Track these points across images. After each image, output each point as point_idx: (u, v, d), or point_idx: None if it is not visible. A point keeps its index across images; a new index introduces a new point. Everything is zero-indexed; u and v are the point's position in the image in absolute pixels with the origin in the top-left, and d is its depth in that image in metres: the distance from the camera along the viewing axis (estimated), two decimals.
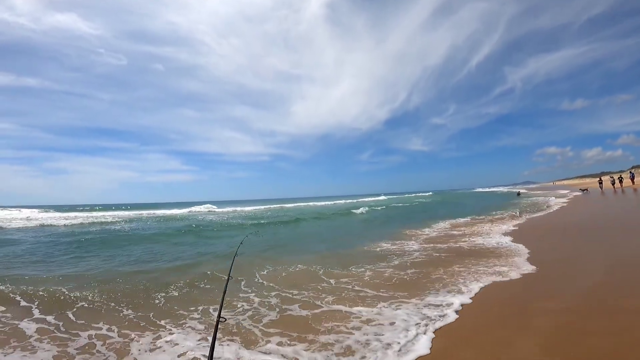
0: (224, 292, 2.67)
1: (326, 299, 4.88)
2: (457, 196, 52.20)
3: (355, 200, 56.54)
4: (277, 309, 4.58)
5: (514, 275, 5.50)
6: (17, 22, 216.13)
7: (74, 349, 3.60)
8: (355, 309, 4.37)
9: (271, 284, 5.87)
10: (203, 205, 43.22)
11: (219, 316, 2.17)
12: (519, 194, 44.48)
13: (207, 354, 1.87)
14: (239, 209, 38.83)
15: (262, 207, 42.46)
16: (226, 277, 3.16)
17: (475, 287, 4.99)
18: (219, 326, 2.14)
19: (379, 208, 31.47)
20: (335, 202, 56.43)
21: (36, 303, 5.08)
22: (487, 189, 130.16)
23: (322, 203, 53.50)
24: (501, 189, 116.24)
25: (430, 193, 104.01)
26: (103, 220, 24.48)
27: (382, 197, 72.37)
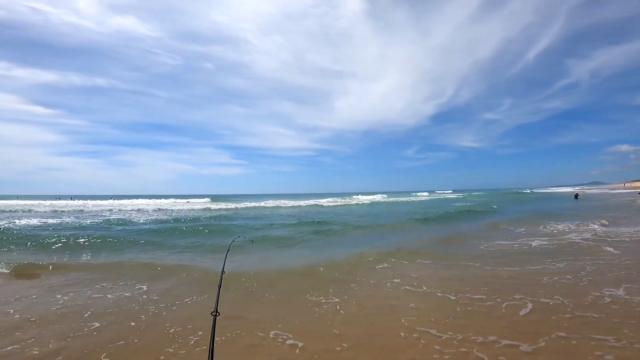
0: (219, 287, 2.90)
1: None
2: (512, 198, 48.92)
3: (396, 199, 55.56)
4: None
5: None
6: (83, 25, 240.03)
7: None
8: None
9: None
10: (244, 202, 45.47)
11: (215, 310, 2.35)
12: (576, 196, 41.19)
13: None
14: (287, 203, 40.55)
15: (303, 202, 43.73)
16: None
17: None
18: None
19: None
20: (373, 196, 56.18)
21: None
22: (550, 189, 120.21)
23: (368, 197, 53.55)
24: (564, 189, 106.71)
25: (465, 193, 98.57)
26: (214, 208, 27.95)
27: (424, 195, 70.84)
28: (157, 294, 5.47)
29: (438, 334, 3.81)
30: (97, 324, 4.27)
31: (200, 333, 3.96)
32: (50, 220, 16.99)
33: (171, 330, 4.07)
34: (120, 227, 14.44)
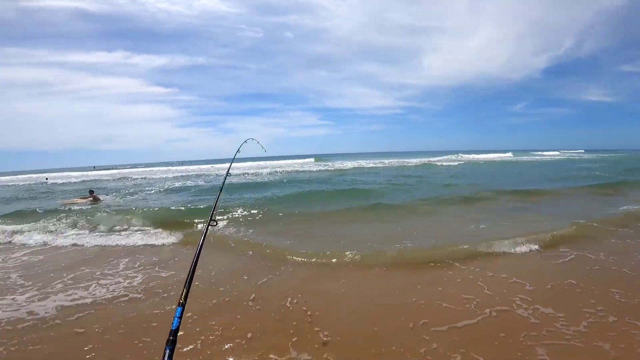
0: (217, 198, 2.66)
1: None
2: None
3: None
4: None
5: None
6: (175, 10, 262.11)
7: None
8: None
9: None
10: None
11: (210, 219, 2.31)
12: None
13: None
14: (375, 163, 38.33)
15: (415, 160, 40.73)
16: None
17: None
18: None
19: None
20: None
21: None
22: None
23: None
24: None
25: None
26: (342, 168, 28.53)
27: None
28: None
29: None
30: None
31: None
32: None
33: None
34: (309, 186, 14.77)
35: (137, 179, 27.91)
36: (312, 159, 51.37)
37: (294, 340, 3.17)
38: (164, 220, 8.45)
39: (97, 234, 7.71)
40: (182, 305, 1.64)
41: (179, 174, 30.68)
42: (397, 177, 19.63)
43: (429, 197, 11.21)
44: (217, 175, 26.84)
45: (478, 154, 62.80)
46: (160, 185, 21.07)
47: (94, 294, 4.44)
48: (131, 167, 67.82)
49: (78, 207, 13.39)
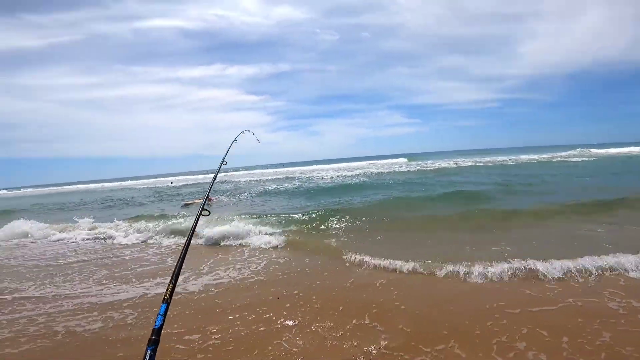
0: (210, 187, 2.85)
1: None
2: None
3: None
4: None
5: None
6: (255, 22, 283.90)
7: None
8: None
9: None
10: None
11: (202, 208, 2.24)
12: None
13: None
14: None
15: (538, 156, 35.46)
16: None
17: None
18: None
19: None
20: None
21: None
22: None
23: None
24: None
25: None
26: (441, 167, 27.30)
27: None
28: None
29: None
30: None
31: None
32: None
33: None
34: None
35: (239, 181, 30.77)
36: (403, 159, 49.50)
37: None
38: (272, 223, 8.82)
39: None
40: (167, 302, 1.48)
41: (275, 176, 32.82)
42: (506, 177, 17.21)
43: (560, 201, 9.34)
44: (308, 177, 27.74)
45: (606, 147, 51.73)
46: (262, 187, 22.75)
47: (230, 276, 5.45)
48: (234, 171, 76.06)
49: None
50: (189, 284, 5.19)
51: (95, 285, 5.45)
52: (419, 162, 37.43)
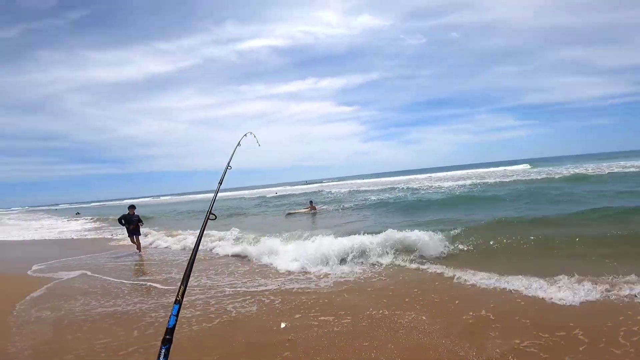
0: (215, 195, 2.78)
1: None
2: None
3: None
4: None
5: None
6: (340, 33, 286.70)
7: None
8: None
9: None
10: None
11: (208, 213, 2.29)
12: None
13: None
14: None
15: None
16: None
17: None
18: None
19: None
20: None
21: None
22: None
23: None
24: None
25: None
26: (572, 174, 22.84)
27: None
28: None
29: None
30: None
31: None
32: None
33: None
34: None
35: (337, 191, 30.89)
36: (524, 165, 42.78)
37: None
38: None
39: None
40: (179, 303, 1.54)
41: (374, 187, 31.95)
42: None
43: None
44: (410, 188, 25.98)
45: None
46: (362, 197, 22.21)
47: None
48: (329, 181, 78.26)
49: (301, 216, 15.72)
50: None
51: (240, 278, 6.05)
52: (545, 169, 31.54)
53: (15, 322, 4.39)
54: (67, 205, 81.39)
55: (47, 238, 15.27)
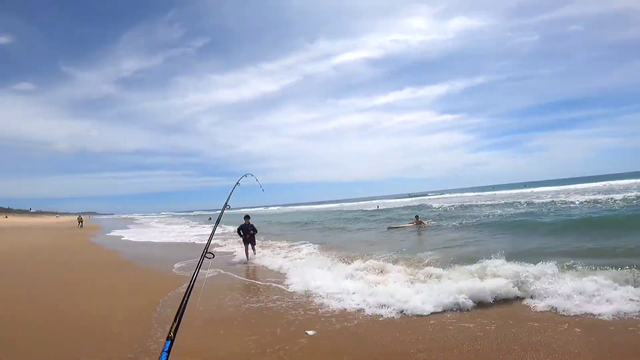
0: (213, 230, 2.88)
1: None
2: None
3: None
4: None
5: None
6: (432, 39, 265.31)
7: None
8: None
9: None
10: None
11: (205, 250, 2.22)
12: None
13: None
14: None
15: None
16: None
17: None
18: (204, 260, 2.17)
19: None
20: None
21: None
22: None
23: None
24: None
25: None
26: None
27: None
28: None
29: None
30: None
31: None
32: None
33: None
34: None
35: (441, 206, 28.00)
36: None
37: None
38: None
39: None
40: (171, 340, 1.49)
41: (489, 202, 27.92)
42: None
43: None
44: (533, 203, 21.55)
45: None
46: (475, 212, 19.41)
47: None
48: (436, 194, 72.61)
49: (404, 230, 14.42)
50: None
51: None
52: None
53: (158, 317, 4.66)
54: (202, 212, 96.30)
55: (181, 241, 17.60)
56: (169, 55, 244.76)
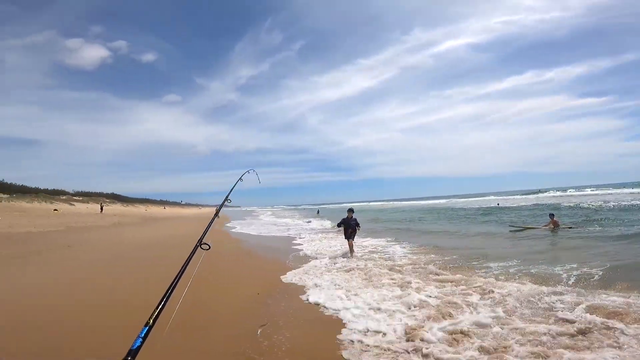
0: (210, 222, 2.59)
1: None
2: None
3: None
4: None
5: None
6: (553, 17, 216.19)
7: None
8: None
9: None
10: None
11: (200, 241, 2.19)
12: None
13: None
14: None
15: None
16: None
17: None
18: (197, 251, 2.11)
19: None
20: None
21: None
22: None
23: None
24: None
25: None
26: None
27: None
28: None
29: None
30: None
31: None
32: None
33: None
34: None
35: (590, 204, 22.64)
36: None
37: None
38: None
39: None
40: (149, 326, 1.43)
41: None
42: None
43: None
44: None
45: None
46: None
47: None
48: (576, 190, 59.63)
49: (532, 233, 11.99)
50: None
51: None
52: None
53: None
54: (311, 206, 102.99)
55: (287, 235, 18.84)
56: (274, 60, 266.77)
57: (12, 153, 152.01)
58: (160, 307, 1.53)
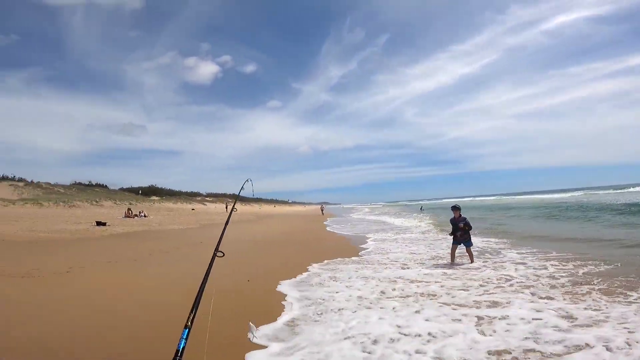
0: (223, 229, 2.81)
1: None
2: None
3: None
4: None
5: None
6: None
7: None
8: None
9: None
10: None
11: (216, 249, 2.35)
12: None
13: None
14: None
15: None
16: None
17: None
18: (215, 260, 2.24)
19: None
20: None
21: None
22: None
23: None
24: None
25: None
26: None
27: None
28: None
29: None
30: None
31: None
32: None
33: None
34: None
35: None
36: None
37: None
38: None
39: None
40: (188, 328, 1.59)
41: None
42: None
43: None
44: None
45: None
46: None
47: None
48: None
49: None
50: None
51: None
52: None
53: None
54: (414, 202, 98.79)
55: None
56: (361, 57, 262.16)
57: (161, 162, 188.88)
58: (194, 310, 1.72)
